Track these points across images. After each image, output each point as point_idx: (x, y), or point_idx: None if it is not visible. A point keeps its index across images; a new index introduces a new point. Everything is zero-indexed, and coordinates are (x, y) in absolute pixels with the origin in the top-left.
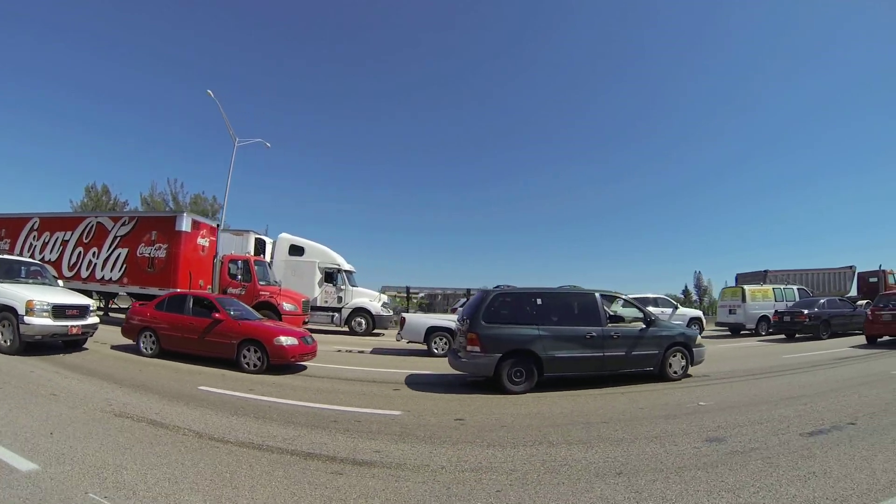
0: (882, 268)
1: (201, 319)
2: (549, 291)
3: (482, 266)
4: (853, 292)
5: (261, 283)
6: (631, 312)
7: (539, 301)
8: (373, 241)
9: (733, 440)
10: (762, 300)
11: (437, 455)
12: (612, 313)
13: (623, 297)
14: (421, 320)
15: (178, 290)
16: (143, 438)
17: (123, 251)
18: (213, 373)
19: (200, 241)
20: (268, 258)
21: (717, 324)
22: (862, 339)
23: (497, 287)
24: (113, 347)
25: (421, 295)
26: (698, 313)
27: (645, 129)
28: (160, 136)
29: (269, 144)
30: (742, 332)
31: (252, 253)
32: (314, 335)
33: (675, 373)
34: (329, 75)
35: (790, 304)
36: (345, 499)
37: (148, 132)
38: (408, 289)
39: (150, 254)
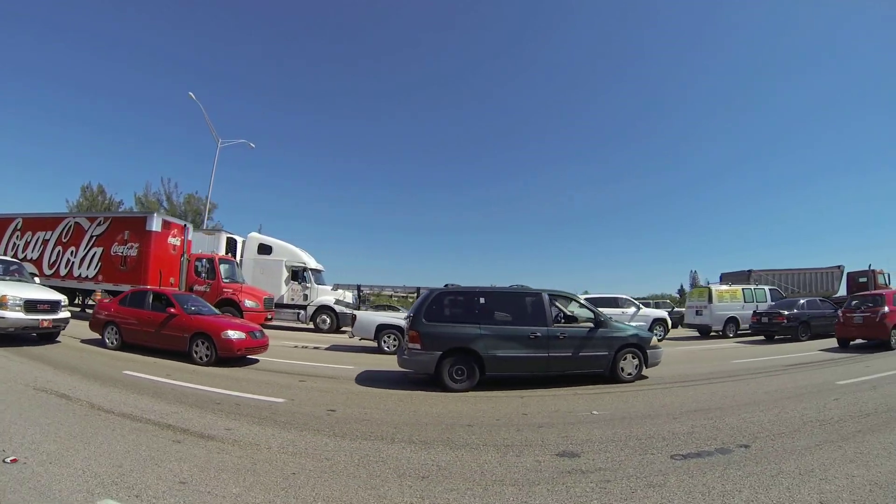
0: (871, 268)
1: (158, 314)
2: (494, 290)
3: (481, 266)
4: (843, 292)
5: (224, 280)
6: (584, 313)
7: (482, 300)
8: (372, 241)
9: (588, 456)
10: (730, 301)
11: (275, 437)
12: (568, 313)
13: (575, 297)
14: (371, 318)
15: (140, 287)
16: (45, 405)
17: (99, 250)
18: (165, 363)
19: (171, 240)
20: (238, 257)
21: (685, 325)
22: None
23: (446, 286)
24: (83, 341)
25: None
26: (663, 314)
27: (645, 130)
28: (159, 135)
29: (253, 145)
30: (711, 334)
31: (223, 251)
32: (280, 331)
33: (629, 374)
34: (328, 75)
35: (764, 304)
36: (163, 459)
37: (147, 131)
38: (358, 287)
39: (122, 252)
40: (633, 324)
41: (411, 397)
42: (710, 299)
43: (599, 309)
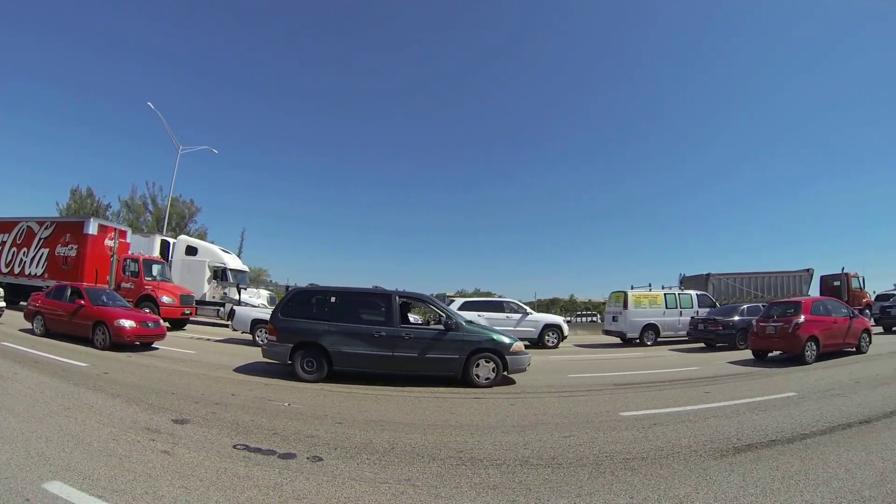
0: (845, 271)
1: (71, 305)
2: (345, 290)
3: (478, 267)
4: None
5: (146, 278)
6: (436, 316)
7: (333, 299)
8: (371, 242)
9: (328, 460)
10: (648, 307)
11: (42, 381)
12: (419, 316)
13: (428, 300)
14: (248, 313)
15: (62, 282)
16: None
17: (46, 251)
18: (68, 346)
19: (108, 242)
20: (170, 258)
21: (604, 332)
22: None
23: (310, 284)
24: (20, 330)
25: None
26: (556, 320)
27: (643, 131)
28: (158, 134)
29: (215, 151)
30: (636, 342)
31: (157, 253)
32: (202, 326)
33: (487, 379)
34: (326, 76)
35: (690, 311)
36: None
37: (145, 131)
38: (237, 284)
39: (64, 253)
40: (523, 328)
41: (252, 382)
42: (625, 305)
43: (476, 313)
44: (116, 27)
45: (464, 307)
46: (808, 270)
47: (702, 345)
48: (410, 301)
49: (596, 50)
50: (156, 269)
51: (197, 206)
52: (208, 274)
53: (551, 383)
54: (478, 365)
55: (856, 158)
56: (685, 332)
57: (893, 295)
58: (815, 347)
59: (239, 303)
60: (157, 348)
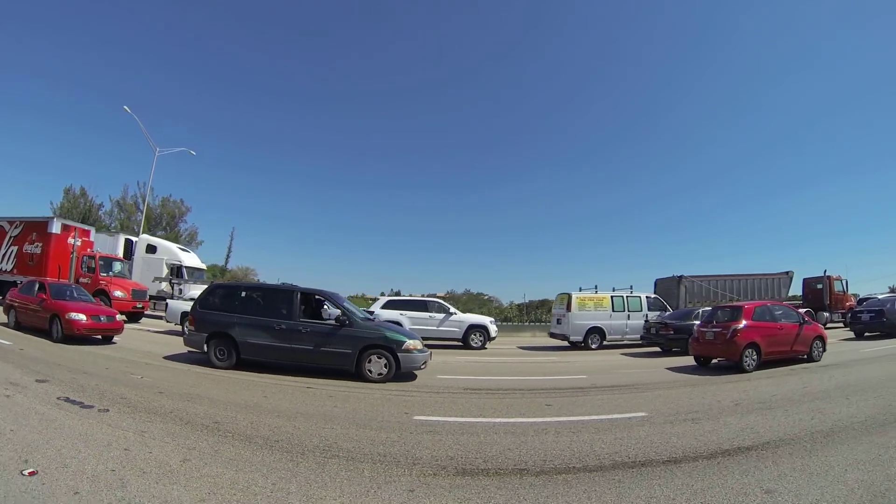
0: (827, 273)
1: (36, 299)
2: (254, 286)
3: (473, 267)
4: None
5: (102, 274)
6: (335, 312)
7: (243, 294)
8: (367, 243)
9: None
10: (593, 309)
11: None
12: (320, 311)
13: (328, 296)
14: (178, 306)
15: (33, 277)
16: None
17: (15, 248)
18: (28, 337)
19: (71, 240)
20: (134, 256)
21: (550, 334)
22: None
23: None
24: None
25: None
26: (482, 320)
27: (642, 133)
28: (151, 134)
29: (193, 152)
30: (579, 344)
31: (121, 251)
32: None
33: (380, 374)
34: (325, 77)
35: (640, 314)
36: None
37: (138, 131)
38: (170, 279)
39: (31, 251)
40: (446, 328)
41: (164, 366)
42: (568, 307)
43: (398, 312)
44: (114, 27)
45: (386, 306)
46: (787, 273)
47: (657, 349)
48: (311, 296)
49: (594, 53)
50: (112, 265)
51: (187, 205)
52: (165, 271)
53: (431, 384)
54: (370, 360)
55: (855, 159)
56: (637, 336)
57: (876, 299)
58: (755, 355)
59: (172, 296)
60: (116, 342)
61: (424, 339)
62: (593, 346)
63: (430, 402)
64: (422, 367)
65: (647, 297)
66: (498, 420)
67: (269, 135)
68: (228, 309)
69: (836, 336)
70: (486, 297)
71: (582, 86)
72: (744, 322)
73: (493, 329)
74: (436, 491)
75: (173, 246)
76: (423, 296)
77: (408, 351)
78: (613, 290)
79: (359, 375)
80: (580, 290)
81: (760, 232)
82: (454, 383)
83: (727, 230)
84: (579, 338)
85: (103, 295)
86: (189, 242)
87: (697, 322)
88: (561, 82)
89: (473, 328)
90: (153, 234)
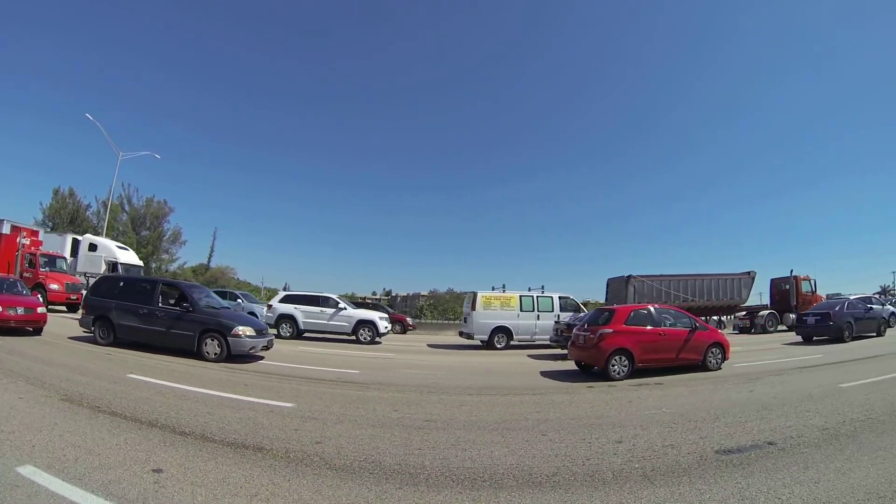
0: (793, 273)
1: None
2: (129, 277)
3: (465, 267)
4: (759, 301)
5: (42, 269)
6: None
7: (122, 284)
8: (363, 244)
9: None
10: (500, 309)
11: None
12: (176, 298)
13: (178, 284)
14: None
15: None
16: None
17: None
18: None
19: (21, 240)
20: (79, 253)
21: (459, 333)
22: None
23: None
24: None
25: None
26: (370, 316)
27: (641, 133)
28: (142, 134)
29: (158, 156)
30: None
31: (69, 249)
32: None
33: (215, 354)
34: (325, 77)
35: (551, 314)
36: None
37: (145, 132)
38: (85, 274)
39: None
40: (336, 322)
41: (57, 343)
42: (473, 306)
43: (293, 305)
44: (114, 27)
45: (283, 300)
46: (748, 273)
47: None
48: (174, 286)
49: (593, 55)
50: (56, 262)
51: (170, 206)
52: (104, 267)
53: (257, 368)
54: (206, 343)
55: (854, 159)
56: (548, 338)
57: (842, 298)
58: (626, 362)
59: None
60: (41, 333)
61: (318, 332)
62: (499, 346)
63: (215, 378)
64: (249, 351)
65: (559, 297)
66: (208, 392)
67: (269, 134)
68: (110, 296)
69: (786, 340)
70: (567, 296)
71: (582, 86)
72: (611, 327)
73: (382, 325)
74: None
75: (112, 244)
76: (370, 297)
77: (237, 336)
78: (529, 289)
79: (198, 355)
80: (493, 288)
81: (760, 233)
82: (276, 369)
83: (727, 230)
84: (484, 337)
85: (41, 288)
86: (173, 242)
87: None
88: (561, 82)
89: (362, 323)
90: (136, 234)
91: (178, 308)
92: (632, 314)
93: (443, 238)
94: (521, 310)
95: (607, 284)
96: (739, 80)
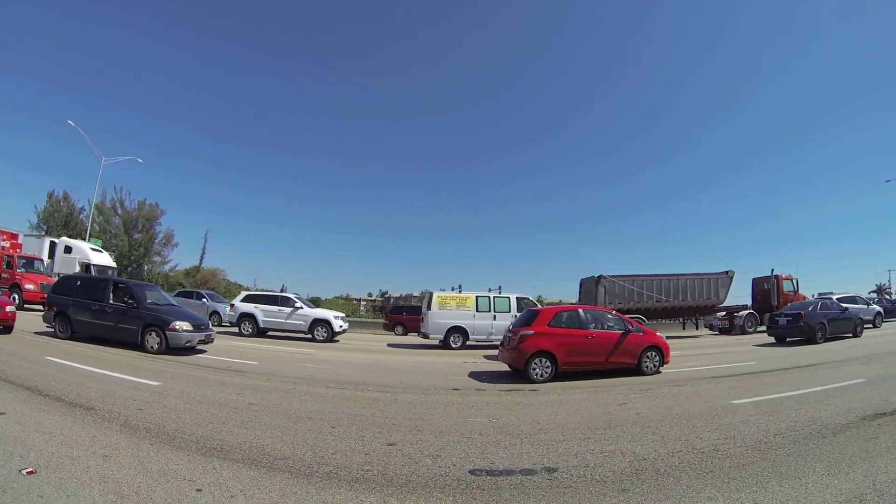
0: (774, 273)
1: None
2: (85, 276)
3: (478, 267)
4: (739, 301)
5: (18, 270)
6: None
7: (79, 282)
8: (360, 243)
9: None
10: (455, 309)
11: None
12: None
13: (128, 284)
14: None
15: None
16: None
17: None
18: None
19: (0, 242)
20: (56, 256)
21: (418, 333)
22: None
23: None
24: None
25: None
26: (325, 315)
27: (641, 134)
28: (135, 135)
29: (140, 160)
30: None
31: (46, 252)
32: None
33: (154, 347)
34: (325, 77)
35: (508, 315)
36: None
37: (141, 133)
38: (39, 271)
39: None
40: (293, 321)
41: (19, 338)
42: (429, 306)
43: (253, 304)
44: (114, 27)
45: (244, 300)
46: (727, 273)
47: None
48: (119, 284)
49: (593, 55)
50: (34, 263)
51: (162, 209)
52: (78, 269)
53: (193, 361)
54: (148, 336)
55: (855, 159)
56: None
57: (816, 299)
58: (549, 365)
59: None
60: (11, 332)
61: (277, 330)
62: (455, 346)
63: (131, 364)
64: (186, 344)
65: (517, 298)
66: (104, 372)
67: (269, 134)
68: (69, 294)
69: (762, 341)
70: (525, 297)
71: (582, 86)
72: (533, 329)
73: (336, 324)
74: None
75: (86, 246)
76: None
77: (174, 330)
78: (490, 290)
79: (142, 347)
80: (452, 289)
81: (760, 232)
82: (204, 361)
83: (727, 230)
84: (440, 336)
85: (17, 288)
86: (165, 244)
87: None
88: (561, 82)
89: (318, 322)
90: (128, 236)
91: (124, 304)
92: (556, 316)
93: (443, 238)
94: (478, 310)
95: (580, 285)
96: (739, 80)
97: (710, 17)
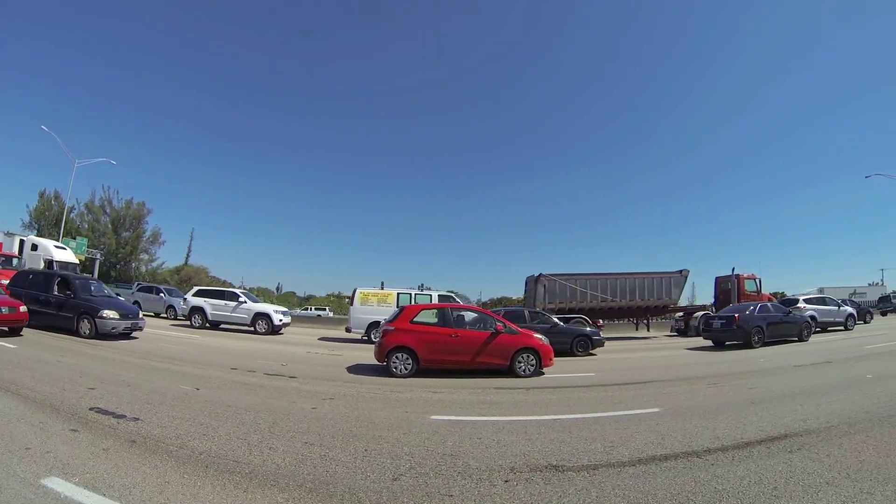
0: (735, 272)
1: None
2: (37, 270)
3: (477, 267)
4: (708, 301)
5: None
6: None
7: (31, 276)
8: (358, 242)
9: None
10: (377, 305)
11: None
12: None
13: (67, 277)
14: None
15: None
16: None
17: None
18: None
19: None
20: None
21: (345, 328)
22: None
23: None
24: None
25: None
26: (266, 309)
27: (643, 133)
28: (130, 134)
29: (113, 162)
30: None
31: (17, 249)
32: None
33: (87, 332)
34: (325, 77)
35: None
36: None
37: (144, 132)
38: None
39: None
40: (237, 314)
41: None
42: (351, 301)
43: (203, 299)
44: (114, 27)
45: (196, 294)
46: (681, 272)
47: None
48: (64, 278)
49: (593, 56)
50: (9, 261)
51: (148, 208)
52: (42, 265)
53: (124, 347)
54: (82, 323)
55: (856, 160)
56: None
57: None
58: (410, 360)
59: None
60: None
61: (224, 323)
62: (376, 340)
63: (50, 345)
64: (111, 330)
65: (439, 295)
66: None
67: (269, 134)
68: (23, 287)
69: (702, 344)
70: (449, 295)
71: (582, 86)
72: (395, 324)
73: (276, 318)
74: None
75: (50, 244)
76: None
77: (102, 318)
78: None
79: (77, 333)
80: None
81: (759, 232)
82: (121, 345)
83: (727, 230)
84: (361, 331)
85: None
86: (152, 242)
87: None
88: (561, 82)
89: (259, 316)
90: (116, 235)
91: (63, 296)
92: (420, 313)
93: (443, 238)
94: (398, 306)
95: (525, 283)
96: (739, 80)
97: (710, 17)
